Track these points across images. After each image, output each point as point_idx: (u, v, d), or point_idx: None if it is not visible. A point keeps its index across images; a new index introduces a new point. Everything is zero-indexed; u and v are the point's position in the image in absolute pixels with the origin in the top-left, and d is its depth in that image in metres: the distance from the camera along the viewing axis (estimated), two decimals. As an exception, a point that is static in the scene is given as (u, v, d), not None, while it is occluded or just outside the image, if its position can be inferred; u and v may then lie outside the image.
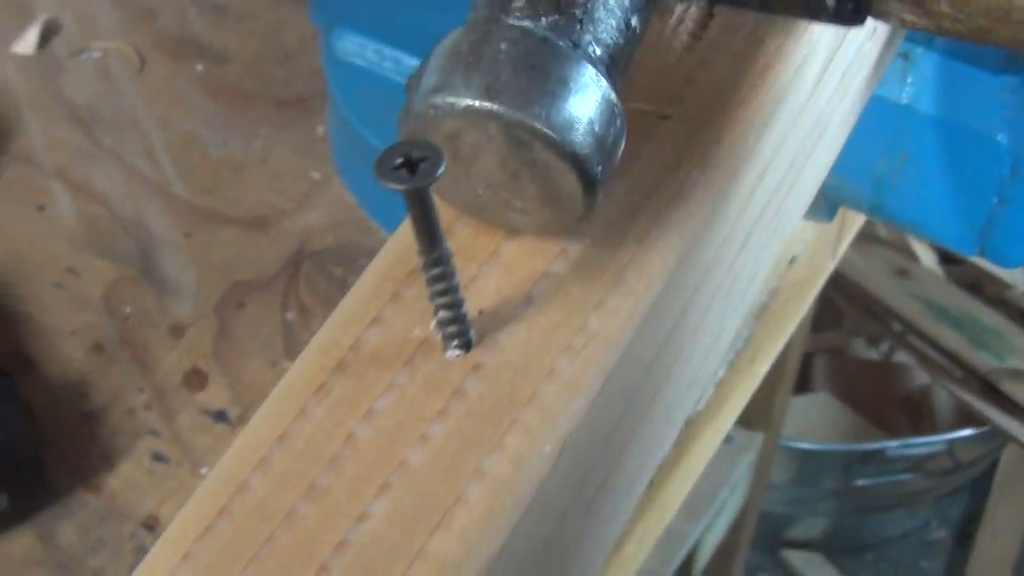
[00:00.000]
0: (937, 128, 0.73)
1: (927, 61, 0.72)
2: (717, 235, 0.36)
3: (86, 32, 0.99)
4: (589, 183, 0.33)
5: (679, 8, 0.38)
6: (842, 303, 1.84)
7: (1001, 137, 0.71)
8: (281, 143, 0.94)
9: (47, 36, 0.99)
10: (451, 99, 0.33)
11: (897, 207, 0.78)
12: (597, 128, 0.33)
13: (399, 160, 0.31)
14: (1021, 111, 0.71)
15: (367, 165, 0.88)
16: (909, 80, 0.72)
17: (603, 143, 0.33)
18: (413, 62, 0.86)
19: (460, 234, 0.35)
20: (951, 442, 1.72)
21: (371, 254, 0.87)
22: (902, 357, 2.00)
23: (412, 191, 0.31)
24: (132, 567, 0.77)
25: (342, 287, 0.87)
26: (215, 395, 0.83)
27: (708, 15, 0.37)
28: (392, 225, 0.89)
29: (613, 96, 0.33)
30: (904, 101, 0.73)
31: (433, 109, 0.34)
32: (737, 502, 1.64)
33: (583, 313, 0.33)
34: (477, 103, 0.33)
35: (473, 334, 0.33)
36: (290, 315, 0.86)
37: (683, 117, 0.36)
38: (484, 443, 0.31)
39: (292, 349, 0.85)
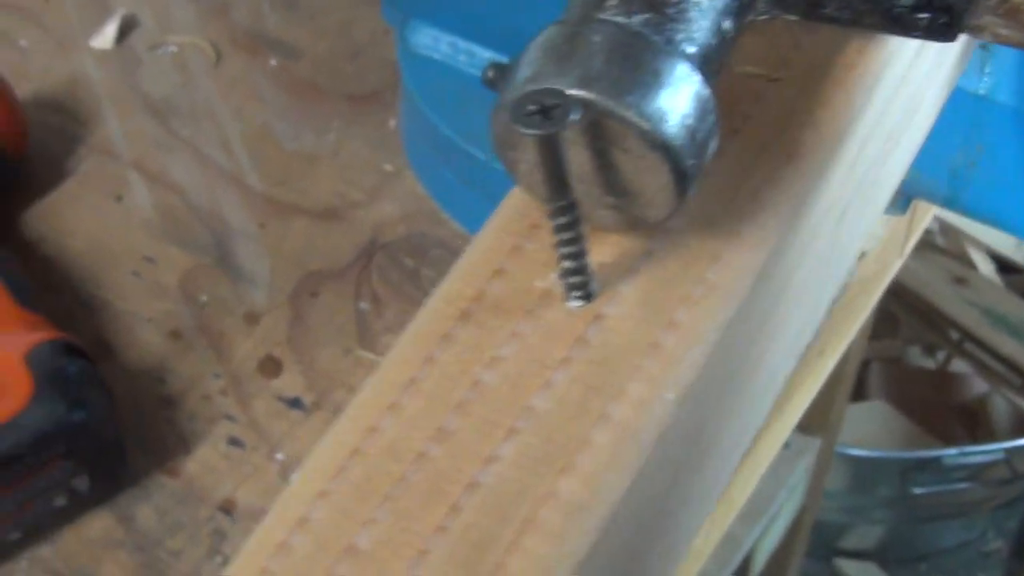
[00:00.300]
0: (1015, 119, 0.73)
1: (1006, 52, 0.72)
2: (824, 197, 0.37)
3: (162, 27, 1.01)
4: (680, 176, 0.33)
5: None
6: (899, 311, 1.84)
7: (1081, 127, 0.71)
8: (353, 136, 0.95)
9: (125, 31, 1.01)
10: (545, 88, 0.34)
11: (972, 199, 0.78)
12: (690, 121, 0.33)
13: (532, 107, 0.32)
14: (1101, 101, 0.71)
15: (440, 156, 0.90)
16: (987, 71, 0.72)
17: (695, 136, 0.33)
18: (487, 55, 0.87)
19: (578, 190, 0.35)
20: (1010, 451, 1.70)
21: (443, 245, 0.89)
22: (958, 366, 1.99)
23: (544, 137, 0.31)
24: (210, 550, 0.78)
25: (414, 277, 0.88)
26: (290, 382, 0.84)
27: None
28: (463, 216, 0.90)
29: (707, 92, 0.34)
30: (982, 92, 0.73)
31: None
32: (793, 508, 1.63)
33: (700, 266, 0.34)
34: (571, 91, 0.33)
35: (594, 285, 0.34)
36: (363, 304, 0.87)
37: (792, 80, 0.37)
38: (607, 389, 0.32)
39: (365, 338, 0.86)
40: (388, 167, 0.94)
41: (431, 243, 0.90)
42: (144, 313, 0.86)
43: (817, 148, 0.36)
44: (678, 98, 0.33)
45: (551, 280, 0.34)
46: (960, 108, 0.73)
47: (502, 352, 0.33)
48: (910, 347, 2.02)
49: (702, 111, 0.33)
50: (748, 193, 0.35)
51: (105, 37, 1.00)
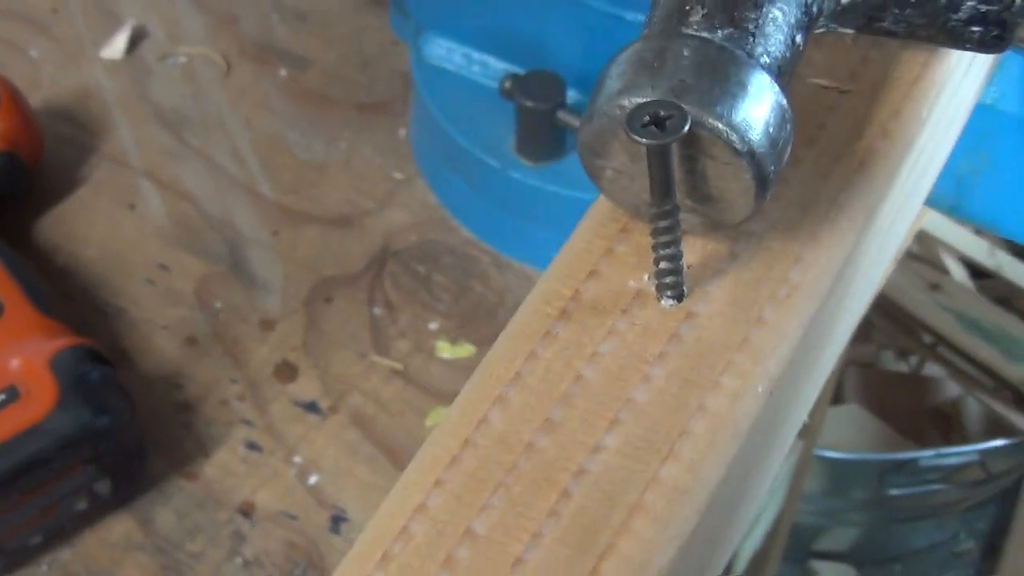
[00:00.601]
0: (1019, 128, 0.76)
1: (1012, 62, 0.74)
2: (892, 203, 0.39)
3: (172, 38, 1.02)
4: (763, 182, 0.35)
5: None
6: (874, 316, 1.87)
7: (1083, 137, 0.74)
8: (363, 145, 0.97)
9: (135, 42, 1.02)
10: (639, 99, 0.35)
11: (977, 206, 0.81)
12: (772, 130, 0.35)
13: (647, 118, 0.34)
14: (1102, 112, 0.74)
15: (453, 165, 0.92)
16: (994, 80, 0.75)
17: (776, 144, 0.35)
18: (501, 66, 0.89)
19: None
20: (984, 452, 1.74)
21: (454, 252, 0.91)
22: (931, 370, 2.02)
23: (656, 147, 0.33)
24: (230, 552, 0.79)
25: (426, 283, 0.90)
26: (306, 387, 0.85)
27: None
28: (474, 224, 0.92)
29: (785, 101, 0.36)
30: (988, 101, 0.75)
31: (619, 110, 0.36)
32: (774, 510, 1.66)
33: (784, 266, 0.36)
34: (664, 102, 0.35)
35: (686, 286, 0.36)
36: (376, 310, 0.88)
37: (861, 92, 0.39)
38: (703, 382, 0.34)
39: (380, 343, 0.87)
40: (399, 175, 0.95)
41: (442, 250, 0.92)
42: (159, 320, 0.87)
43: (888, 156, 0.38)
44: (761, 108, 0.35)
45: (643, 281, 0.36)
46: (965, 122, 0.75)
47: (601, 348, 0.35)
48: (884, 351, 2.05)
49: (782, 120, 0.36)
50: (826, 199, 0.37)
51: (115, 47, 1.01)
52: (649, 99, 0.34)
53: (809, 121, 0.38)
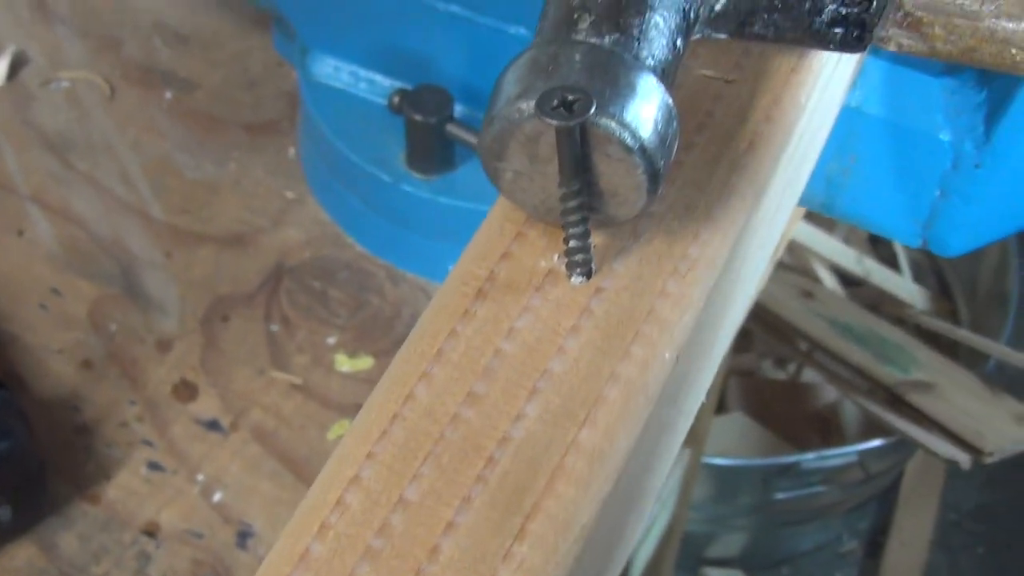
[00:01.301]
0: (884, 129, 0.80)
1: (874, 67, 0.79)
2: (777, 185, 0.42)
3: (54, 63, 1.02)
4: (654, 176, 0.38)
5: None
6: (752, 326, 1.92)
7: (943, 134, 0.78)
8: (253, 164, 0.98)
9: (16, 67, 1.01)
10: (567, 84, 0.37)
11: (847, 204, 0.85)
12: (660, 127, 0.38)
13: (555, 102, 0.36)
14: (960, 109, 0.79)
15: (345, 182, 0.93)
16: (858, 85, 0.79)
17: (664, 140, 0.38)
18: (387, 83, 0.91)
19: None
20: (863, 453, 1.80)
21: (349, 267, 0.93)
22: (809, 377, 2.09)
23: (565, 128, 0.35)
24: (136, 573, 0.79)
25: (322, 299, 0.91)
26: (206, 405, 0.85)
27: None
28: (368, 239, 0.94)
29: (671, 101, 0.39)
30: (853, 104, 0.79)
31: (518, 113, 0.38)
32: (665, 518, 1.69)
33: (683, 243, 0.38)
34: None
35: (594, 264, 0.38)
36: (274, 326, 0.89)
37: (745, 81, 0.42)
38: (614, 352, 0.36)
39: (278, 359, 0.88)
40: (290, 194, 0.96)
41: (337, 266, 0.93)
42: (54, 345, 0.87)
43: (772, 140, 0.41)
44: (650, 107, 0.37)
45: (553, 261, 0.38)
46: (834, 120, 0.79)
47: (517, 324, 0.37)
48: (763, 360, 2.11)
49: (668, 118, 0.38)
50: (718, 180, 0.40)
51: (-4, 74, 1.00)
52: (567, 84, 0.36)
53: (698, 109, 0.41)
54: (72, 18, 1.05)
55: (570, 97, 0.35)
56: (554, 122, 0.35)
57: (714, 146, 0.40)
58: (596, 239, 0.38)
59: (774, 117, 0.41)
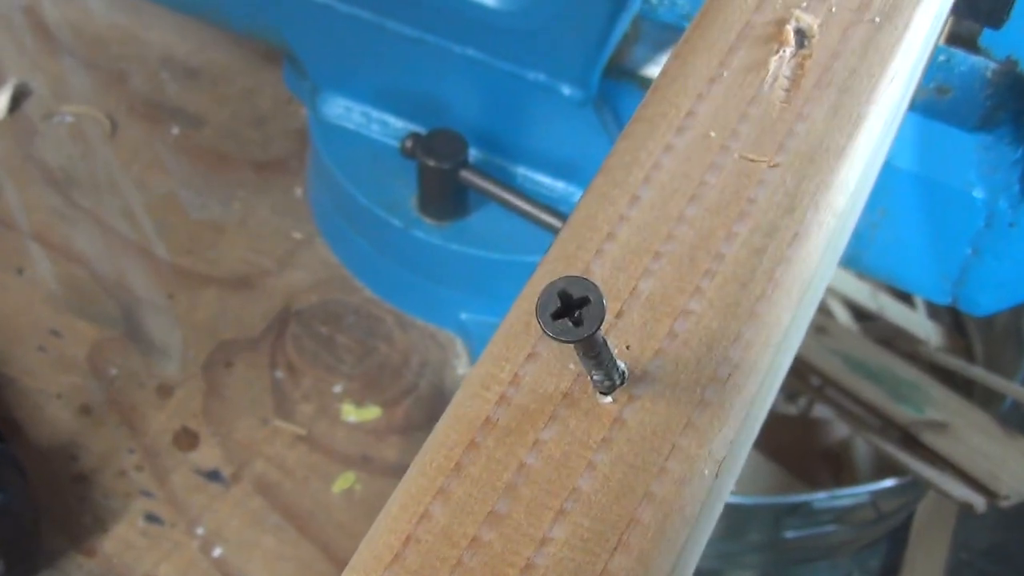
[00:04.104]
0: (915, 184, 0.78)
1: (906, 120, 0.76)
2: (821, 272, 0.39)
3: (58, 95, 0.99)
4: None
5: (773, 62, 0.40)
6: (764, 360, 1.89)
7: (977, 192, 0.76)
8: (260, 204, 0.95)
9: (18, 99, 0.99)
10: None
11: (875, 259, 0.82)
12: None
13: (557, 306, 0.31)
14: (995, 167, 0.76)
15: (354, 224, 0.90)
16: (890, 138, 0.76)
17: None
18: (400, 124, 0.88)
19: (599, 274, 0.37)
20: (875, 493, 1.76)
21: (357, 312, 0.90)
22: (819, 412, 2.05)
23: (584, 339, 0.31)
24: (131, 630, 0.76)
25: (329, 345, 0.88)
26: (207, 454, 0.83)
27: (800, 69, 0.40)
28: (377, 283, 0.91)
29: None
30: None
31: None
32: (673, 556, 1.66)
33: (723, 345, 0.35)
34: None
35: (625, 371, 0.35)
36: (279, 373, 0.86)
37: (789, 165, 0.39)
38: (648, 468, 0.33)
39: (282, 407, 0.85)
40: (297, 235, 0.94)
41: (345, 310, 0.90)
42: (52, 389, 0.84)
43: (821, 228, 0.38)
44: None
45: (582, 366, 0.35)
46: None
47: (543, 435, 0.34)
48: (774, 395, 2.08)
49: None
50: (764, 274, 0.36)
51: (-3, 106, 0.97)
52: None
53: (741, 196, 0.38)
54: (78, 49, 1.02)
55: (575, 295, 0.30)
56: (565, 340, 0.31)
57: (758, 237, 0.37)
58: (630, 339, 0.36)
59: (822, 204, 0.38)
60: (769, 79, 0.41)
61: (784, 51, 0.42)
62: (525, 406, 0.34)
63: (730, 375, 0.35)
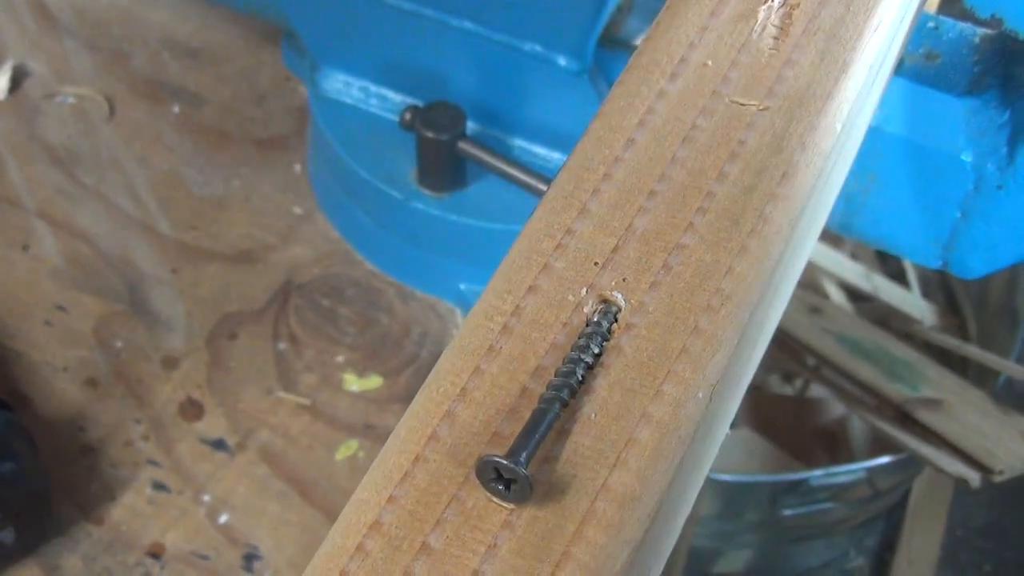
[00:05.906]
0: (905, 149, 0.79)
1: (895, 86, 0.78)
2: (810, 212, 0.40)
3: (59, 75, 1.01)
4: None
5: (762, 12, 0.42)
6: (760, 340, 1.90)
7: (965, 156, 0.77)
8: (262, 180, 0.96)
9: (17, 80, 1.00)
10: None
11: (866, 224, 0.84)
12: None
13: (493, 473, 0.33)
14: (983, 131, 0.77)
15: (355, 199, 0.92)
16: (880, 103, 0.78)
17: None
18: (398, 98, 0.90)
19: (596, 212, 0.38)
20: (871, 470, 1.78)
21: (357, 284, 0.91)
22: (816, 392, 2.07)
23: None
24: (140, 595, 0.78)
25: (331, 317, 0.90)
26: (212, 424, 0.84)
27: (788, 18, 0.42)
28: (378, 257, 0.92)
29: None
30: (874, 123, 0.78)
31: None
32: (672, 534, 1.67)
33: (716, 278, 0.37)
34: None
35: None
36: (282, 345, 0.88)
37: (778, 109, 0.40)
38: (645, 391, 0.35)
39: (285, 378, 0.87)
40: (298, 210, 0.95)
41: (346, 283, 0.91)
42: (59, 362, 0.86)
43: (809, 168, 0.39)
44: None
45: (581, 294, 0.37)
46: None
47: (545, 362, 0.35)
48: (771, 375, 2.09)
49: None
50: (754, 210, 0.38)
51: (-2, 87, 0.99)
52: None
53: (731, 138, 0.40)
54: (79, 30, 1.04)
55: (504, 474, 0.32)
56: (505, 503, 0.32)
57: (748, 177, 0.39)
58: (626, 272, 0.37)
59: (809, 145, 0.40)
60: (758, 28, 0.42)
61: (772, 1, 0.43)
62: (527, 335, 0.36)
63: (723, 305, 0.36)
